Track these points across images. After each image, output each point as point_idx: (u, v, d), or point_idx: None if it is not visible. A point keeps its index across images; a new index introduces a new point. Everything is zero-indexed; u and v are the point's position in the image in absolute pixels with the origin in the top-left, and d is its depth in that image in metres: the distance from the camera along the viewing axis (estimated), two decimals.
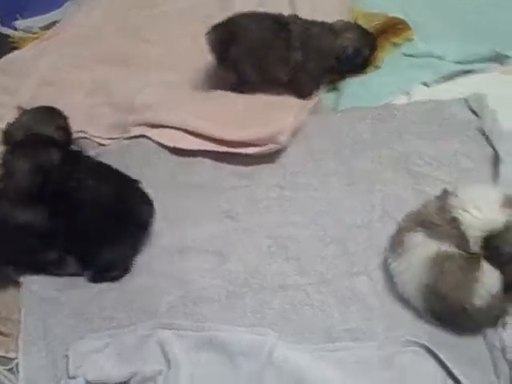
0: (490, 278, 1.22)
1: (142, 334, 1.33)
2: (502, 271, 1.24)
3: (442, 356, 1.20)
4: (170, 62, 1.97)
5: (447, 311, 1.25)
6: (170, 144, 1.67)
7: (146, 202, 1.50)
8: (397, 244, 1.32)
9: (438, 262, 1.24)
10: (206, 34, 1.72)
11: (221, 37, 1.72)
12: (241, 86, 1.80)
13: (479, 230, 1.25)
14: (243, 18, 1.75)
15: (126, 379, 1.27)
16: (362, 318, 1.31)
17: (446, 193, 1.35)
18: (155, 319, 1.36)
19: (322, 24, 1.78)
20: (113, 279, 1.45)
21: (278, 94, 1.79)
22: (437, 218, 1.29)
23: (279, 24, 1.74)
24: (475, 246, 1.25)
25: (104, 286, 1.44)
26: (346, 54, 1.77)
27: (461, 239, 1.25)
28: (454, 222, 1.27)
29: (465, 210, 1.27)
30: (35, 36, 2.16)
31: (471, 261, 1.24)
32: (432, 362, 1.21)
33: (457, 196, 1.31)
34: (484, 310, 1.22)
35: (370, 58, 1.85)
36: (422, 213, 1.34)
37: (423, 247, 1.27)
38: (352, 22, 1.88)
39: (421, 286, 1.26)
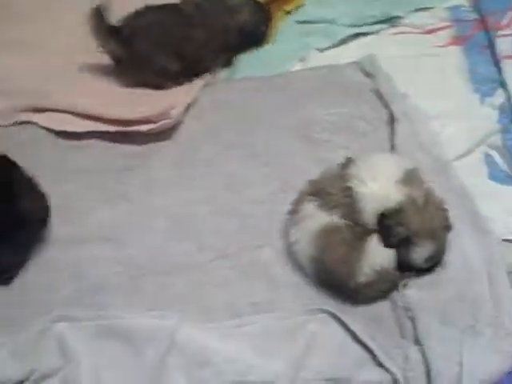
0: (375, 256, 1.19)
1: (36, 330, 1.25)
2: (395, 250, 1.20)
3: (347, 321, 1.19)
4: (54, 43, 1.87)
5: (334, 285, 1.23)
6: (59, 128, 1.59)
7: (36, 196, 1.40)
8: (293, 212, 1.29)
9: (324, 235, 1.21)
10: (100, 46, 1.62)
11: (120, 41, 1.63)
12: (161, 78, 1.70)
13: (373, 204, 1.20)
14: (135, 18, 1.67)
15: (22, 378, 1.19)
16: (267, 289, 1.28)
17: (348, 161, 1.30)
18: (52, 313, 1.28)
19: (216, 1, 1.73)
20: (3, 283, 1.36)
21: None
22: (331, 187, 1.24)
23: (172, 9, 1.69)
24: (368, 219, 1.21)
25: None
26: (244, 31, 1.72)
27: (352, 209, 1.21)
28: (348, 190, 1.21)
29: (360, 180, 1.22)
30: None
31: (359, 235, 1.20)
32: (338, 328, 1.20)
33: (355, 164, 1.27)
34: (369, 286, 1.20)
35: (267, 33, 1.81)
36: (320, 181, 1.30)
37: (313, 218, 1.23)
38: None
39: (309, 257, 1.24)
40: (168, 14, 1.69)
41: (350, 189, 1.21)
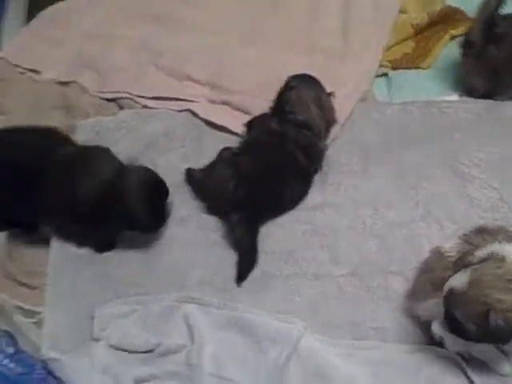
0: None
1: (168, 305, 1.32)
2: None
3: (469, 371, 1.17)
4: (214, 26, 1.92)
5: None
6: (219, 122, 1.66)
7: None
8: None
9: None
10: None
11: None
12: None
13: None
14: None
15: (150, 349, 1.27)
16: (393, 318, 1.29)
17: None
18: (183, 291, 1.35)
19: None
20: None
21: None
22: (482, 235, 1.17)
23: None
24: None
25: (131, 253, 1.43)
26: None
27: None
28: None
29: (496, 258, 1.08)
30: None
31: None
32: (458, 374, 1.18)
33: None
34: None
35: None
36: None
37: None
38: None
39: None
40: None
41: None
